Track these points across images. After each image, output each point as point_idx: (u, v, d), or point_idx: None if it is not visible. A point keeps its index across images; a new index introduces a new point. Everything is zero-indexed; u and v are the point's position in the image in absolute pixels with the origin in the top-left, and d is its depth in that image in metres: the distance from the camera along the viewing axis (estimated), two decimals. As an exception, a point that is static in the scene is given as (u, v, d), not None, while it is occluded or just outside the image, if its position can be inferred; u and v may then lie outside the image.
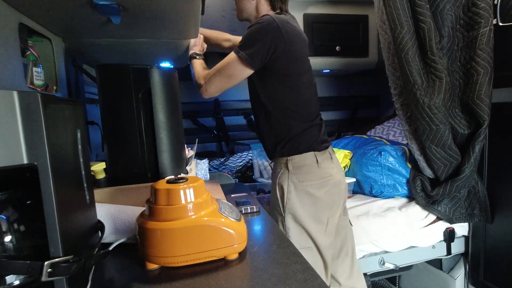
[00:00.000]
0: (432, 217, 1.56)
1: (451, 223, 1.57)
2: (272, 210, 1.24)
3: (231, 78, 1.16)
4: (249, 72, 1.14)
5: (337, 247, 1.28)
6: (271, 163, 1.25)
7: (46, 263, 0.41)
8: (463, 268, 1.68)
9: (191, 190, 0.58)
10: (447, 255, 1.62)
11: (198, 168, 1.30)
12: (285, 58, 1.11)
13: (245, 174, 2.07)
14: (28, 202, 0.49)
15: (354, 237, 1.37)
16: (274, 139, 1.20)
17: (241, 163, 2.20)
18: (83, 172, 0.54)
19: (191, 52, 1.37)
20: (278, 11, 1.23)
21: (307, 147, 1.16)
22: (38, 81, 1.06)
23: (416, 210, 1.56)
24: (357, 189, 1.79)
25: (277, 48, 1.09)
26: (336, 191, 1.20)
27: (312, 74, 1.25)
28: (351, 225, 1.36)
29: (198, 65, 1.31)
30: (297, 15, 1.98)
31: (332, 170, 1.20)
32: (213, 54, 1.87)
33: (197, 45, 1.39)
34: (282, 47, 1.09)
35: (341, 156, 1.83)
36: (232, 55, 1.13)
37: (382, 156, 1.65)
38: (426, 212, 1.56)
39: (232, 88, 1.23)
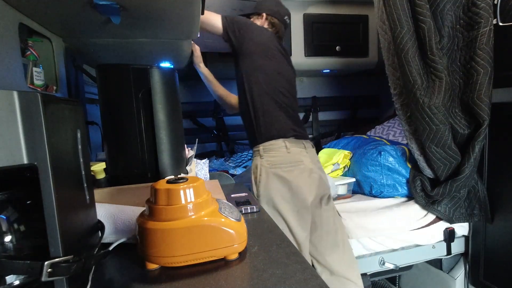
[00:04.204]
0: (432, 217, 1.56)
1: (451, 223, 1.57)
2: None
3: None
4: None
5: (323, 238, 1.33)
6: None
7: (46, 263, 0.41)
8: (463, 268, 1.68)
9: (191, 190, 0.58)
10: (447, 255, 1.62)
11: (198, 168, 1.29)
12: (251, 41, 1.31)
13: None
14: (28, 202, 0.49)
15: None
16: (252, 123, 1.31)
17: (241, 163, 2.20)
18: (83, 172, 0.54)
19: (199, 69, 1.58)
20: None
21: (277, 134, 1.26)
22: (38, 81, 1.06)
23: (416, 210, 1.56)
24: (357, 189, 1.79)
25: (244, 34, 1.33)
26: (307, 175, 1.27)
27: (290, 69, 1.42)
28: (340, 216, 1.42)
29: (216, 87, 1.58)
30: (297, 15, 1.99)
31: (303, 158, 1.28)
32: (214, 54, 1.87)
33: (197, 56, 1.56)
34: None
35: (341, 156, 1.83)
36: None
37: (382, 156, 1.65)
38: (425, 212, 1.56)
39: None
